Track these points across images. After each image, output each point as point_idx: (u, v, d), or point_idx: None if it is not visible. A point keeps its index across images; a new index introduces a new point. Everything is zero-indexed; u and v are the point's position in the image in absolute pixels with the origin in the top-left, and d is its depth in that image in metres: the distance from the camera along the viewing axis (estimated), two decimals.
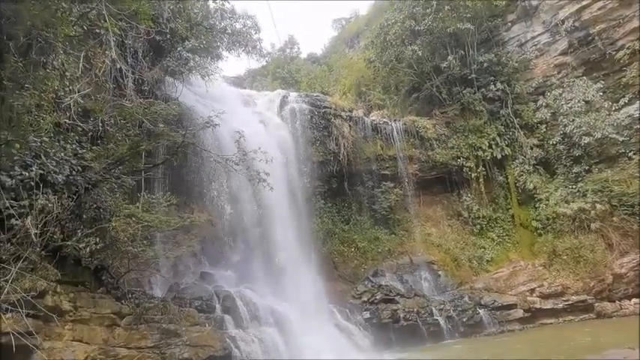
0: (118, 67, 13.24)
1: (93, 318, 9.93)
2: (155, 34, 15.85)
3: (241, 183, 16.93)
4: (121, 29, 11.69)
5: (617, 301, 20.44)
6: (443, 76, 25.97)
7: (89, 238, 9.18)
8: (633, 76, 21.91)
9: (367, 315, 18.44)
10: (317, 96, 25.07)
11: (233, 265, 17.48)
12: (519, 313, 20.37)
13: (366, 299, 19.51)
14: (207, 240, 17.95)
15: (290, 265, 17.49)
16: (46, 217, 8.41)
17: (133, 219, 10.70)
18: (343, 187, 23.81)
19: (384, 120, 25.49)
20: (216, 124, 14.85)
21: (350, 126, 23.81)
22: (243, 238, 17.88)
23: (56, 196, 8.68)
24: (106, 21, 9.37)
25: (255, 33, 22.84)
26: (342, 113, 24.02)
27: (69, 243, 9.06)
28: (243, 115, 20.63)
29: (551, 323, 20.31)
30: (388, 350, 16.56)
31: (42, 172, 8.67)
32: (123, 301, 10.81)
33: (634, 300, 20.10)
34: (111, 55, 11.35)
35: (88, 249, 9.13)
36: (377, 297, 19.59)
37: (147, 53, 16.77)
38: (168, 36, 17.31)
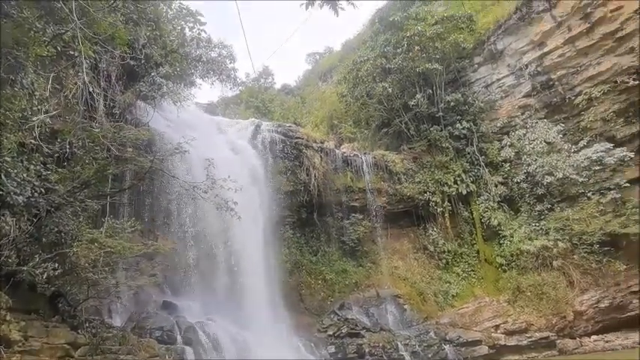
0: (90, 89, 13.07)
1: (44, 349, 9.35)
2: (130, 59, 15.80)
3: (209, 211, 16.67)
4: (95, 52, 11.62)
5: (577, 338, 20.92)
6: (411, 113, 26.85)
7: (47, 264, 8.78)
8: (591, 120, 23.24)
9: (332, 349, 18.12)
10: (289, 126, 25.39)
11: (197, 295, 16.95)
12: (484, 349, 20.44)
13: (331, 333, 19.23)
14: (171, 268, 17.42)
15: (256, 297, 17.12)
16: (0, 240, 8.03)
17: (96, 244, 10.32)
18: (313, 218, 23.85)
19: (355, 153, 25.96)
20: (185, 151, 14.79)
21: (321, 157, 24.09)
22: (208, 268, 17.44)
23: (14, 219, 8.32)
24: (80, 43, 9.30)
25: (230, 62, 23.25)
26: (314, 144, 24.34)
27: (24, 268, 8.64)
28: (214, 142, 20.58)
29: None
30: None
31: (1, 192, 8.32)
32: (79, 331, 10.26)
33: (593, 337, 20.64)
34: (83, 78, 11.22)
35: (45, 275, 8.72)
36: (343, 331, 19.35)
37: (120, 77, 16.66)
38: (142, 61, 17.28)
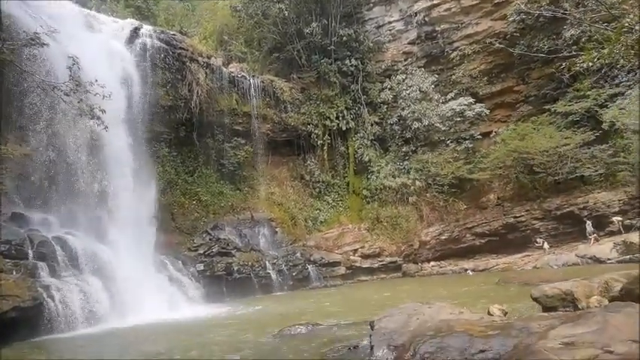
0: None
1: None
2: None
3: (72, 118, 15.04)
4: None
5: (419, 263, 24.35)
6: (305, 42, 26.53)
7: None
8: (461, 75, 25.61)
9: (201, 267, 18.55)
10: (174, 35, 23.14)
11: (54, 207, 15.60)
12: (342, 270, 22.88)
13: (202, 252, 19.60)
14: (25, 177, 15.61)
15: (122, 213, 16.36)
16: None
17: None
18: (192, 137, 22.96)
19: (243, 74, 25.08)
20: (44, 44, 12.85)
21: (206, 74, 22.80)
22: (69, 179, 16.00)
23: None
24: None
25: None
26: (200, 59, 22.80)
27: None
28: (83, 40, 18.00)
29: (367, 280, 23.23)
30: (219, 302, 16.96)
31: None
32: None
33: (432, 263, 24.20)
34: None
35: None
36: (213, 250, 19.83)
37: None
38: None
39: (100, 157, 16.66)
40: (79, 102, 12.72)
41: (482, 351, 4.31)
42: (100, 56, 17.82)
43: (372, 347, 4.88)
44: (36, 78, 13.46)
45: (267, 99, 25.24)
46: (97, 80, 12.88)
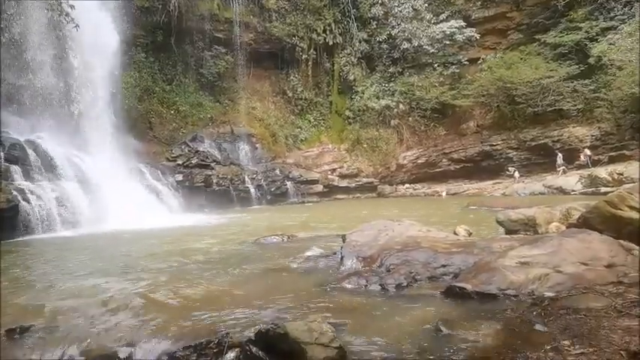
0: None
1: None
2: None
3: (39, 14, 13.98)
4: None
5: (394, 185, 25.05)
6: None
7: None
8: None
9: (180, 177, 18.68)
10: None
11: (25, 110, 15.03)
12: (320, 188, 23.45)
13: (180, 162, 19.61)
14: None
15: (96, 118, 15.95)
16: None
17: None
18: (170, 43, 21.84)
19: None
20: None
21: None
22: (39, 80, 15.24)
23: None
24: None
25: None
26: None
27: None
28: None
29: (343, 198, 23.95)
30: (198, 212, 17.25)
31: None
32: None
33: (406, 185, 24.93)
34: None
35: None
36: (192, 161, 19.85)
37: None
38: None
39: (72, 59, 15.79)
40: None
41: (444, 265, 4.61)
42: None
43: (342, 258, 5.15)
44: None
45: (251, 5, 23.87)
46: None
